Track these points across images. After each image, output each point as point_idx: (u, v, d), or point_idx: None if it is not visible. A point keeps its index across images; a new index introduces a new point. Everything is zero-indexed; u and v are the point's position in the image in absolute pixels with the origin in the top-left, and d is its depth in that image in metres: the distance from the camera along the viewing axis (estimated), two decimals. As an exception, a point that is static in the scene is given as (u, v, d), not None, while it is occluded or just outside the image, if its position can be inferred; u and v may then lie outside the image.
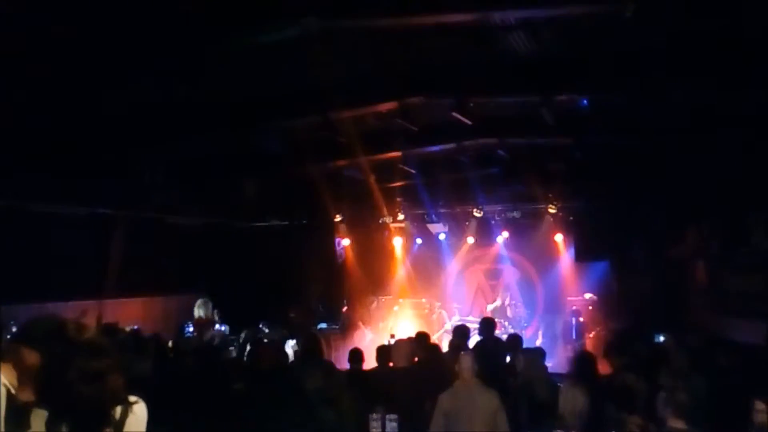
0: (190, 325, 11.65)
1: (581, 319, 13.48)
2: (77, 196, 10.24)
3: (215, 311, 11.82)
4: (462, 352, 6.27)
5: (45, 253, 10.02)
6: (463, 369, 5.81)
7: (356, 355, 7.42)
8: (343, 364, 8.03)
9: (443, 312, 14.79)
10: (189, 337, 10.87)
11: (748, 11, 6.01)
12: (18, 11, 5.41)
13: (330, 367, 6.54)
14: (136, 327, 10.04)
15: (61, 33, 5.95)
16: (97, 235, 11.21)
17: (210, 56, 7.10)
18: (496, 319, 11.00)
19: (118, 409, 2.48)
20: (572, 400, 5.06)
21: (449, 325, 13.98)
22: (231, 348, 9.97)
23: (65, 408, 2.43)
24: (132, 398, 2.56)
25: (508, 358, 7.79)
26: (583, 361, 6.66)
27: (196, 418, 5.04)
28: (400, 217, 14.55)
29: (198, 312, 11.58)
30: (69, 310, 9.52)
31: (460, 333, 8.61)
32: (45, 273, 9.78)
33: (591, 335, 13.02)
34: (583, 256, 13.73)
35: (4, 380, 2.61)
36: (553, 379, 6.67)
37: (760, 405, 4.71)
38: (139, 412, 2.54)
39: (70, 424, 2.40)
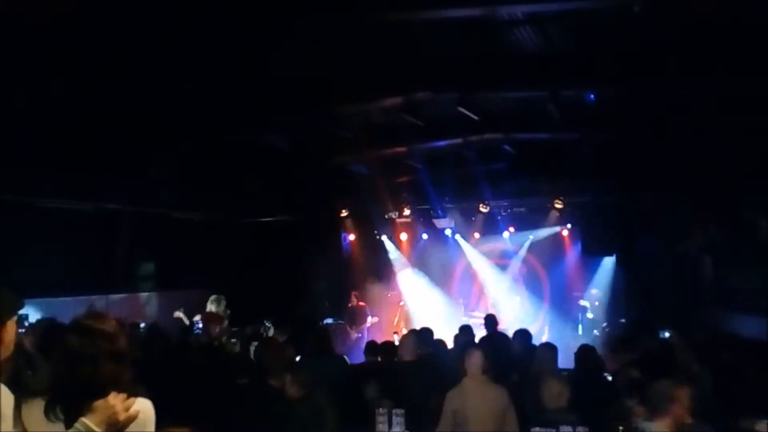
0: (199, 321, 11.66)
1: (588, 315, 13.46)
2: (83, 192, 10.25)
3: (227, 310, 11.85)
4: (470, 348, 6.03)
5: (51, 248, 10.04)
6: (471, 365, 5.60)
7: (372, 348, 7.33)
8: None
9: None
10: (197, 332, 10.87)
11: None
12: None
13: (342, 361, 6.54)
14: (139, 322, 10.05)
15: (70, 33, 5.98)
16: (103, 231, 11.23)
17: (213, 54, 7.12)
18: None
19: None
20: (556, 394, 4.99)
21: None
22: (233, 341, 9.95)
23: (59, 391, 2.39)
24: (139, 398, 2.47)
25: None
26: (586, 356, 6.67)
27: (200, 412, 5.05)
28: (406, 212, 14.54)
29: (210, 307, 11.59)
30: (75, 305, 9.54)
31: (465, 331, 8.61)
32: (50, 268, 9.81)
33: (597, 331, 13.00)
34: (589, 251, 13.69)
35: None
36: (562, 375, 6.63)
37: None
38: (146, 411, 2.47)
39: (66, 408, 2.35)
